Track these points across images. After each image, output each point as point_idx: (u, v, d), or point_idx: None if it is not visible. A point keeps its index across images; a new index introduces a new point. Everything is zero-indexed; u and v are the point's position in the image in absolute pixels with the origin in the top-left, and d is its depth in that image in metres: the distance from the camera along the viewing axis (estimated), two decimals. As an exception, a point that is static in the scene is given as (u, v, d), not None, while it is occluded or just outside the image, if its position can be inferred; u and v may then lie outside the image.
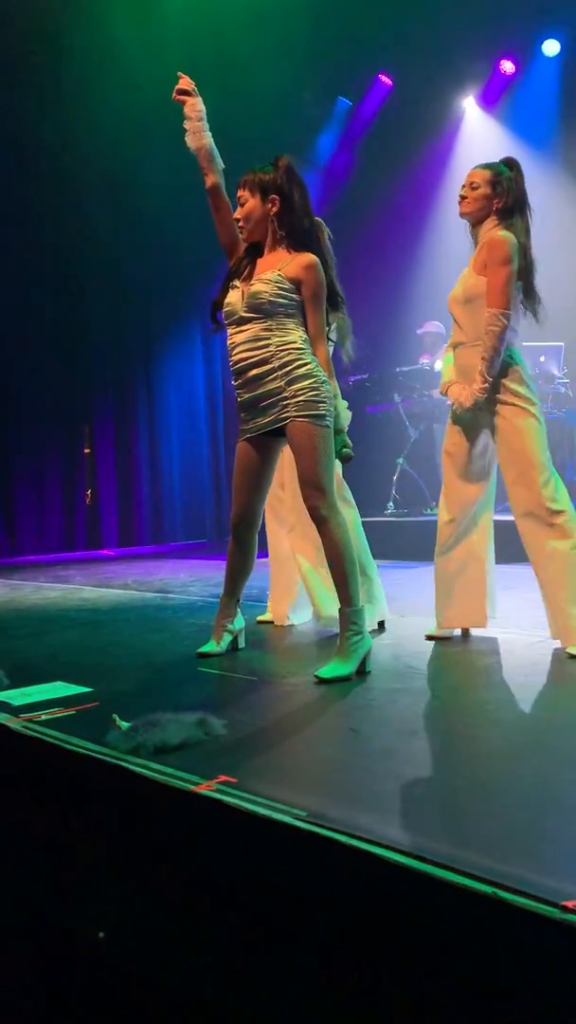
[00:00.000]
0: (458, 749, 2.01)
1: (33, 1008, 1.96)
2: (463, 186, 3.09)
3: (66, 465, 8.76)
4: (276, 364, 2.79)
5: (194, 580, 5.72)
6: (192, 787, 1.71)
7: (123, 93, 7.44)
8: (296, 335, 2.81)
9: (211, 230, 3.03)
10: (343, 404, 3.30)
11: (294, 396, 2.77)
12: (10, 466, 8.30)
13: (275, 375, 2.79)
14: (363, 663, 2.73)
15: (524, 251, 2.99)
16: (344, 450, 2.89)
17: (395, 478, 7.34)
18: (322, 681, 2.61)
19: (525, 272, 3.00)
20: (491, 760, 1.92)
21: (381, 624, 3.53)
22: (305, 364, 2.78)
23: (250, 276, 2.86)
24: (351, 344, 3.52)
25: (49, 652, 3.30)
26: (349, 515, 3.41)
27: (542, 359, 6.82)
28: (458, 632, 3.32)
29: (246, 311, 2.82)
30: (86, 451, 9.05)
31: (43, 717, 2.29)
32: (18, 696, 2.53)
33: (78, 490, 8.90)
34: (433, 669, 2.89)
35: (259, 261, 2.88)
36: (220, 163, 2.97)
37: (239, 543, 3.05)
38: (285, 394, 2.79)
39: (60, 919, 1.98)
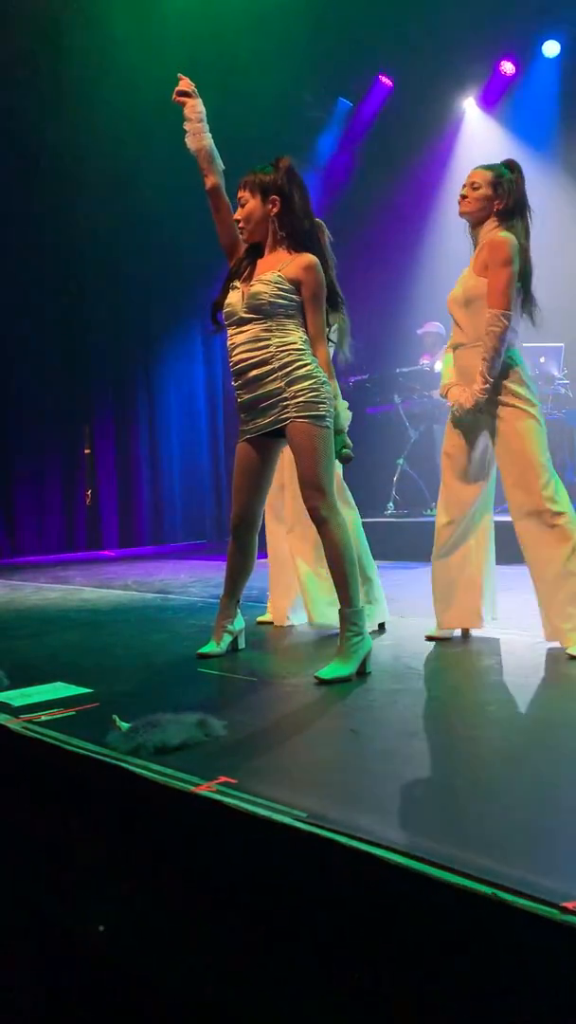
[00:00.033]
0: (458, 750, 2.01)
1: (33, 1008, 1.96)
2: (464, 186, 3.09)
3: (66, 465, 8.76)
4: (276, 365, 2.79)
5: (194, 581, 5.72)
6: (192, 788, 1.71)
7: (123, 93, 7.44)
8: (296, 336, 2.81)
9: (211, 231, 3.03)
10: (343, 404, 3.30)
11: (294, 397, 2.77)
12: (10, 466, 8.30)
13: (275, 376, 2.79)
14: (363, 664, 2.73)
15: (524, 253, 3.00)
16: (344, 451, 2.89)
17: (395, 479, 7.34)
18: (322, 682, 2.61)
19: (524, 276, 3.01)
20: (491, 761, 1.92)
21: (381, 626, 3.54)
22: (305, 365, 2.78)
23: (250, 277, 2.86)
24: (349, 346, 3.53)
25: (49, 653, 3.30)
26: (350, 516, 3.42)
27: (542, 360, 6.82)
28: (458, 633, 3.32)
29: (246, 312, 2.82)
30: (86, 451, 9.05)
31: (43, 718, 2.29)
32: (18, 697, 2.53)
33: (78, 490, 8.91)
34: (433, 670, 2.89)
35: (259, 262, 2.88)
36: (220, 164, 2.97)
37: (239, 544, 3.05)
38: (285, 395, 2.79)
39: (60, 919, 1.98)
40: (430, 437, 7.44)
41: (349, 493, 3.50)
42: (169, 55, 6.99)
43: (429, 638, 3.27)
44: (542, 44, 7.92)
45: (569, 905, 1.19)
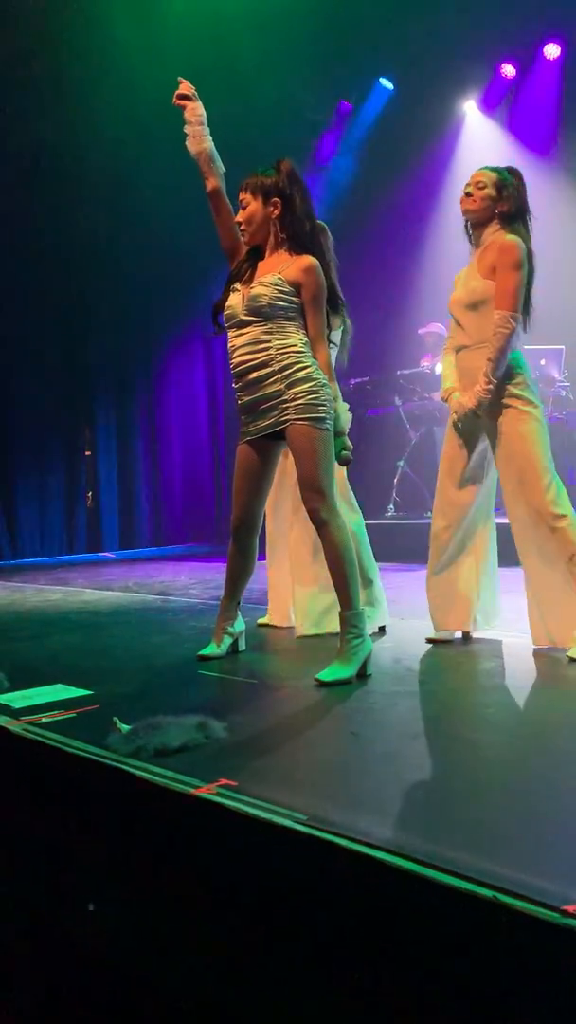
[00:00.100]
0: (458, 752, 2.01)
1: (33, 1008, 1.96)
2: (468, 184, 3.09)
3: (67, 467, 8.77)
4: (276, 367, 2.79)
5: (194, 582, 5.72)
6: (192, 790, 1.71)
7: (124, 94, 7.45)
8: (296, 338, 2.81)
9: (212, 233, 3.04)
10: (343, 407, 3.30)
11: (294, 399, 2.78)
12: (11, 469, 8.31)
13: (275, 378, 2.80)
14: (364, 666, 2.73)
15: (531, 257, 3.00)
16: (343, 453, 2.89)
17: (396, 481, 7.35)
18: (322, 684, 2.61)
19: (527, 280, 3.01)
20: (492, 763, 1.92)
21: (382, 628, 3.54)
22: (305, 367, 2.79)
23: (251, 279, 2.86)
24: (347, 350, 3.54)
25: (50, 654, 3.31)
26: (354, 519, 3.43)
27: (543, 362, 6.83)
28: (458, 635, 3.32)
29: (246, 314, 2.83)
30: (87, 453, 9.06)
31: (44, 720, 2.29)
32: (19, 699, 2.53)
33: (79, 492, 8.91)
34: (433, 672, 2.89)
35: (260, 264, 2.89)
36: (221, 167, 2.98)
37: (239, 546, 3.05)
38: (285, 397, 2.79)
39: (60, 920, 1.98)
40: (430, 439, 7.44)
41: (353, 495, 3.50)
42: (169, 57, 6.99)
43: (429, 640, 3.27)
44: (543, 47, 7.92)
45: (569, 908, 1.19)
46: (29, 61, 7.47)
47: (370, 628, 3.17)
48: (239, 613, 3.16)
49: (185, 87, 2.97)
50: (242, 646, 3.20)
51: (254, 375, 2.83)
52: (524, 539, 3.00)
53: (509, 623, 3.34)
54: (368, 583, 3.47)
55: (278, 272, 2.81)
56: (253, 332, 2.82)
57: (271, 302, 2.78)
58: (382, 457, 7.48)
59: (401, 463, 7.35)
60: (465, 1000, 1.25)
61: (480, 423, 3.10)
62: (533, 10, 7.34)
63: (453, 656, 3.08)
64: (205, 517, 9.81)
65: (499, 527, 3.29)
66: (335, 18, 7.46)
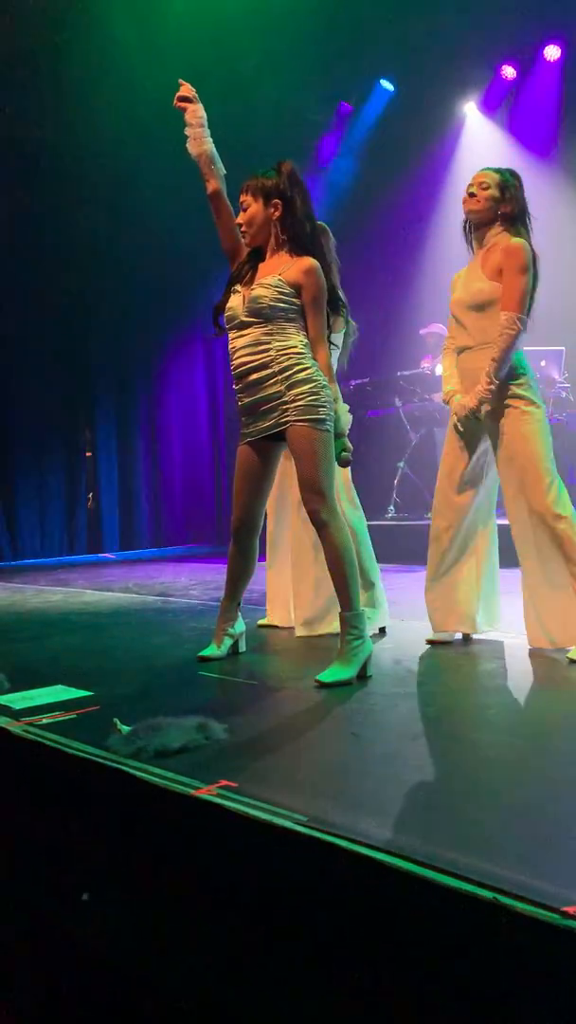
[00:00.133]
0: (459, 753, 2.01)
1: (33, 1008, 1.96)
2: (471, 184, 3.08)
3: (68, 468, 8.76)
4: (276, 368, 2.79)
5: (195, 583, 5.72)
6: (192, 791, 1.72)
7: (124, 95, 7.45)
8: (296, 339, 2.81)
9: (213, 234, 3.04)
10: (344, 408, 3.31)
11: (294, 400, 2.78)
12: (12, 469, 8.30)
13: (275, 379, 2.80)
14: (364, 667, 2.73)
15: (535, 260, 3.01)
16: (343, 454, 2.89)
17: (396, 482, 7.35)
18: (323, 685, 2.61)
19: (532, 284, 3.02)
20: (492, 765, 1.92)
21: (382, 630, 3.54)
22: (305, 369, 2.79)
23: (252, 280, 2.86)
24: (348, 352, 3.55)
25: (50, 656, 3.31)
26: (355, 516, 3.44)
27: (543, 364, 6.83)
28: (459, 636, 3.32)
29: (247, 315, 2.83)
30: (88, 454, 9.06)
31: (44, 721, 2.29)
32: (19, 700, 2.53)
33: (80, 493, 8.91)
34: (434, 673, 2.89)
35: (261, 266, 2.89)
36: (221, 169, 2.98)
37: (240, 547, 3.05)
38: (285, 398, 2.79)
39: (60, 920, 1.98)
40: (431, 440, 7.44)
41: (356, 494, 3.51)
42: (170, 58, 6.99)
43: (430, 642, 3.27)
44: (543, 48, 7.92)
45: (570, 910, 1.19)
46: (29, 61, 7.47)
47: (370, 629, 3.17)
48: (239, 614, 3.16)
49: (186, 89, 2.97)
50: (242, 647, 3.20)
51: (254, 376, 2.83)
52: (524, 539, 3.00)
53: (509, 624, 3.33)
54: (369, 585, 3.47)
55: (279, 274, 2.81)
56: (253, 333, 2.82)
57: (271, 304, 2.78)
58: (382, 458, 7.48)
59: (401, 464, 7.35)
60: (465, 1001, 1.25)
61: (481, 424, 3.10)
62: (533, 12, 7.34)
63: (453, 657, 3.08)
64: (205, 518, 9.81)
65: (500, 528, 3.29)
66: (336, 19, 7.46)
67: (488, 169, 3.11)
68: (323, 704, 2.46)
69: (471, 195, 3.07)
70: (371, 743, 2.10)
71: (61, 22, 7.18)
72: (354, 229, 7.70)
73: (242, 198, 2.87)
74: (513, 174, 3.10)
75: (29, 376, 8.30)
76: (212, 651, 3.08)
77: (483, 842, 1.47)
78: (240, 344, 2.86)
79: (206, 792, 1.70)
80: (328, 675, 2.65)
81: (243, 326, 2.85)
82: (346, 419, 3.38)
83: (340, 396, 3.11)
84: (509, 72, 8.22)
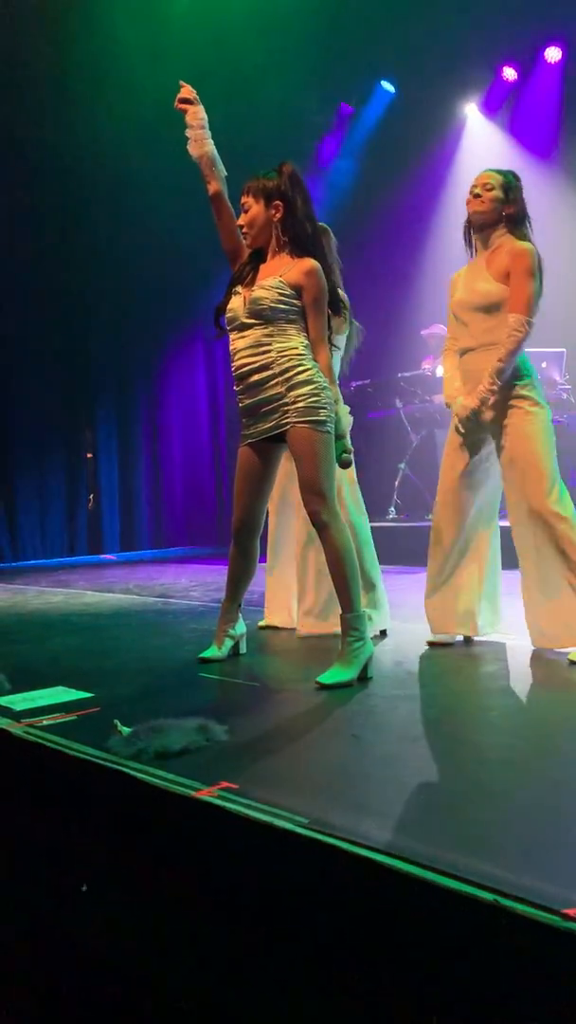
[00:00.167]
0: (460, 755, 2.01)
1: (33, 1008, 1.96)
2: (475, 186, 3.08)
3: (68, 469, 8.76)
4: (277, 370, 2.80)
5: (195, 585, 5.72)
6: (193, 793, 1.72)
7: (125, 96, 7.46)
8: (297, 341, 2.81)
9: (213, 235, 3.04)
10: (344, 409, 3.31)
11: (294, 402, 2.78)
12: (12, 470, 8.30)
13: (276, 381, 2.80)
14: (365, 669, 2.73)
15: (540, 264, 3.02)
16: (344, 455, 2.89)
17: (397, 483, 7.35)
18: (323, 687, 2.61)
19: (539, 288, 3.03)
20: (493, 766, 1.92)
21: (383, 632, 3.53)
22: (306, 370, 2.79)
23: (253, 282, 2.86)
24: (350, 355, 3.56)
25: (51, 657, 3.31)
26: (359, 520, 3.44)
27: (544, 365, 6.83)
28: (460, 638, 3.32)
29: (248, 317, 2.83)
30: (88, 456, 9.06)
31: (45, 722, 2.29)
32: (20, 701, 2.53)
33: (80, 495, 8.91)
34: (435, 675, 2.89)
35: (262, 267, 2.89)
36: (222, 170, 2.98)
37: (240, 548, 3.05)
38: (285, 400, 2.79)
39: (60, 921, 1.97)
40: (431, 441, 7.44)
41: (360, 496, 3.51)
42: (171, 59, 7.01)
43: (431, 643, 3.27)
44: (544, 50, 7.93)
45: (570, 912, 1.19)
46: (30, 61, 7.48)
47: (371, 631, 3.17)
48: (240, 615, 3.16)
49: (186, 91, 2.97)
50: (243, 649, 3.19)
51: (255, 378, 2.83)
52: (524, 540, 3.00)
53: (510, 626, 3.33)
54: (371, 587, 3.47)
55: (279, 275, 2.81)
56: (254, 335, 2.82)
57: (272, 305, 2.79)
58: (383, 460, 7.48)
59: (402, 466, 7.35)
60: (466, 1003, 1.25)
61: (483, 425, 3.10)
62: (534, 13, 7.34)
63: (454, 659, 3.08)
64: (206, 519, 9.81)
65: (503, 530, 3.29)
66: (336, 21, 7.47)
67: (491, 170, 3.11)
68: (324, 706, 2.46)
69: (475, 196, 3.07)
70: (372, 745, 2.10)
71: (61, 22, 7.18)
72: (354, 230, 7.70)
73: (243, 199, 2.87)
74: (515, 175, 3.10)
75: (29, 376, 8.30)
76: (213, 652, 3.08)
77: (484, 844, 1.47)
78: (241, 345, 2.86)
79: (207, 794, 1.70)
80: (329, 676, 2.65)
81: (244, 327, 2.85)
82: (347, 420, 3.38)
83: (341, 397, 3.11)
84: (510, 74, 8.23)
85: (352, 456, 2.98)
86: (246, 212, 2.86)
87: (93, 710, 2.41)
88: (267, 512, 3.22)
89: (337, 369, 3.51)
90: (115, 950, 1.82)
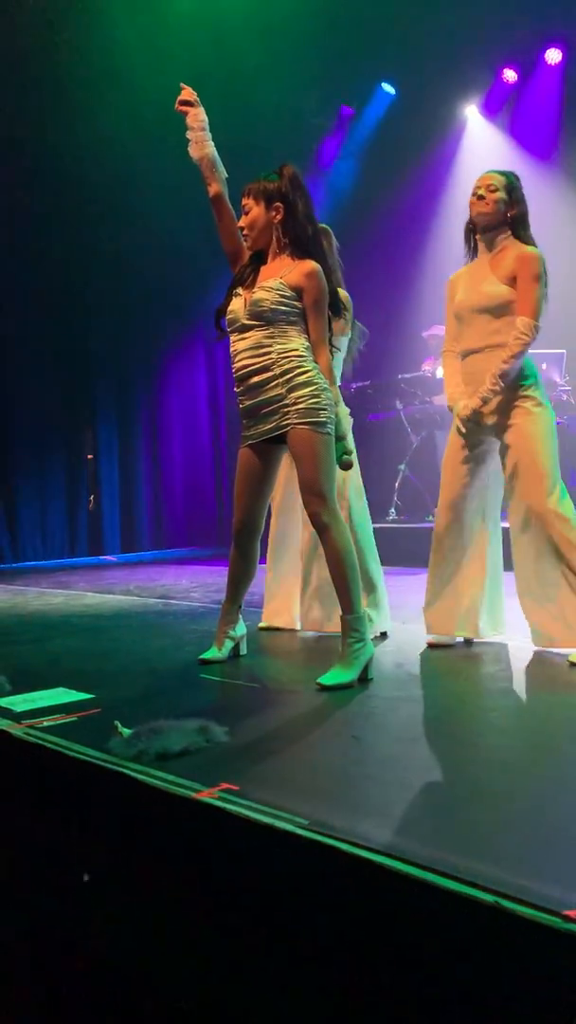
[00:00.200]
0: (460, 757, 2.01)
1: (33, 1008, 1.96)
2: (478, 187, 3.08)
3: (69, 471, 8.77)
4: (277, 371, 2.80)
5: (196, 586, 5.72)
6: (194, 794, 1.72)
7: (126, 97, 7.46)
8: (298, 342, 2.82)
9: (214, 236, 3.04)
10: (344, 411, 3.31)
11: (295, 403, 2.78)
12: (13, 472, 8.31)
13: (276, 382, 2.80)
14: (365, 670, 2.73)
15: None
16: (345, 457, 2.89)
17: (397, 485, 7.35)
18: (324, 688, 2.61)
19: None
20: (494, 768, 1.92)
21: (383, 634, 3.53)
22: (306, 372, 2.79)
23: (253, 283, 2.87)
24: (352, 358, 3.57)
25: (51, 658, 3.31)
26: (359, 506, 3.45)
27: (544, 367, 6.83)
28: (460, 639, 3.32)
29: (248, 318, 2.83)
30: (89, 457, 9.06)
31: (45, 723, 2.29)
32: (20, 702, 2.53)
33: (81, 496, 8.91)
34: (435, 676, 2.89)
35: (262, 269, 2.89)
36: (223, 172, 2.98)
37: (241, 550, 3.05)
38: (286, 401, 2.80)
39: (61, 922, 1.97)
40: (431, 443, 7.44)
41: (361, 481, 3.52)
42: (171, 59, 7.01)
43: (431, 644, 3.27)
44: (544, 52, 7.94)
45: (571, 913, 1.19)
46: (30, 61, 7.48)
47: (372, 633, 3.17)
48: (240, 617, 3.16)
49: (187, 93, 2.97)
50: (243, 650, 3.19)
51: (255, 379, 2.83)
52: (524, 539, 3.00)
53: (510, 627, 3.33)
54: (372, 588, 3.47)
55: (280, 277, 2.81)
56: (255, 336, 2.83)
57: (273, 307, 2.79)
58: (383, 461, 7.48)
59: (402, 467, 7.35)
60: (466, 1005, 1.25)
61: (484, 427, 3.10)
62: (535, 15, 7.35)
63: (455, 660, 3.08)
64: (206, 520, 9.81)
65: (505, 532, 3.29)
66: (337, 23, 7.47)
67: (493, 171, 3.11)
68: (324, 707, 2.46)
69: (479, 198, 3.06)
70: (372, 746, 2.10)
71: (62, 22, 7.18)
72: (355, 232, 7.70)
73: (244, 201, 2.87)
74: (517, 177, 3.11)
75: (30, 377, 8.31)
76: (213, 654, 3.08)
77: (484, 845, 1.47)
78: (241, 347, 2.86)
79: (207, 795, 1.70)
80: (329, 678, 2.65)
81: (244, 329, 2.85)
82: (347, 422, 3.38)
83: (341, 399, 3.11)
84: (510, 75, 8.23)
85: (353, 458, 2.98)
86: (247, 214, 2.87)
87: (94, 711, 2.41)
88: (268, 513, 3.22)
89: (339, 370, 3.51)
90: (115, 950, 1.82)
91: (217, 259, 3.27)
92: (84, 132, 7.81)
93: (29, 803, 2.17)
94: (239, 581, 3.11)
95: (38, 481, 8.47)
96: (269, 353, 2.81)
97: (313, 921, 1.46)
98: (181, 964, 1.67)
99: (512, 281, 3.01)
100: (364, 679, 2.72)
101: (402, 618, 3.76)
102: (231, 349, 2.91)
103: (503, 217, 3.06)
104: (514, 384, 3.03)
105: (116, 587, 5.82)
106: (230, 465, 9.03)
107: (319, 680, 2.64)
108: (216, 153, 2.96)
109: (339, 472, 2.95)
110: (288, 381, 2.79)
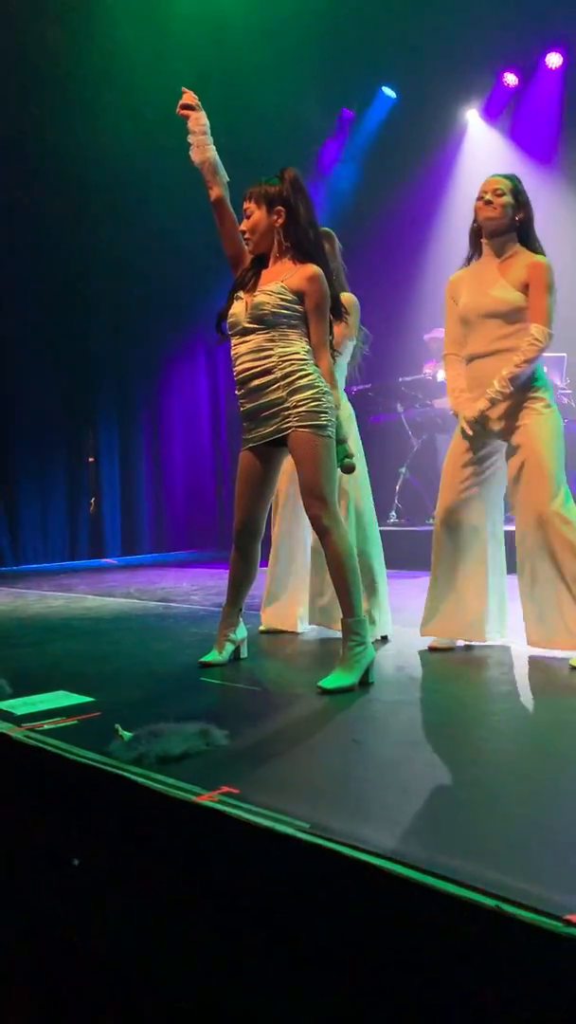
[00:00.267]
0: (461, 760, 2.01)
1: (33, 1008, 1.96)
2: (485, 192, 3.08)
3: (70, 474, 8.78)
4: (278, 375, 2.80)
5: (196, 589, 5.72)
6: (194, 798, 1.71)
7: (127, 99, 7.47)
8: (299, 346, 2.82)
9: (215, 238, 3.05)
10: (347, 413, 3.31)
11: (296, 406, 2.79)
12: (14, 474, 8.32)
13: (277, 385, 2.81)
14: (366, 673, 2.73)
15: None
16: (346, 460, 2.89)
17: (397, 488, 7.35)
18: (325, 691, 2.61)
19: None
20: (495, 772, 1.92)
21: (384, 638, 3.53)
22: (307, 375, 2.80)
23: (255, 287, 2.87)
24: (356, 361, 3.57)
25: (52, 661, 3.31)
26: (368, 517, 3.46)
27: (544, 370, 6.84)
28: (461, 643, 3.32)
29: (249, 322, 2.84)
30: (90, 460, 9.07)
31: (45, 726, 2.29)
32: (21, 705, 2.53)
33: (82, 499, 8.92)
34: (436, 680, 2.89)
35: (264, 272, 2.90)
36: (224, 176, 2.99)
37: (241, 552, 3.05)
38: (287, 404, 2.80)
39: (61, 926, 1.97)
40: (432, 446, 7.45)
41: (371, 499, 3.53)
42: (172, 62, 7.02)
43: (432, 648, 3.26)
44: (545, 56, 7.95)
45: (572, 918, 1.19)
46: (31, 62, 7.49)
47: (373, 636, 3.17)
48: (241, 620, 3.16)
49: (188, 97, 2.98)
50: (244, 653, 3.19)
51: (256, 382, 2.84)
52: (527, 540, 3.00)
53: (511, 630, 3.33)
54: (374, 591, 3.46)
55: (281, 280, 2.82)
56: (256, 340, 2.83)
57: (274, 310, 2.79)
58: (384, 464, 7.48)
59: (403, 470, 7.35)
60: (467, 1009, 1.24)
61: (491, 431, 3.10)
62: (535, 19, 7.36)
63: (455, 664, 3.07)
64: (207, 523, 9.82)
65: (508, 535, 3.29)
66: (338, 26, 7.49)
67: (498, 175, 3.11)
68: (325, 710, 2.46)
69: (487, 203, 3.06)
70: (373, 750, 2.10)
71: (62, 23, 7.20)
72: (356, 235, 7.70)
73: (245, 205, 2.88)
74: (520, 180, 3.11)
75: (30, 378, 8.32)
76: (214, 657, 3.08)
77: (485, 849, 1.46)
78: (242, 350, 2.87)
79: (207, 798, 1.70)
80: (330, 681, 2.65)
81: (246, 332, 2.86)
82: (351, 425, 3.39)
83: (342, 402, 3.12)
84: (511, 79, 8.25)
85: (355, 461, 2.98)
86: (248, 218, 2.87)
87: (94, 714, 2.41)
88: (269, 516, 3.22)
89: (342, 374, 3.52)
90: (115, 952, 1.82)
91: (218, 260, 3.27)
92: (84, 132, 7.82)
93: (29, 806, 2.17)
94: (240, 584, 3.11)
95: (39, 483, 8.48)
96: (270, 356, 2.81)
97: (313, 924, 1.45)
98: (181, 966, 1.67)
99: (524, 288, 3.02)
100: (365, 683, 2.72)
101: (403, 621, 3.76)
102: (232, 352, 2.91)
103: (511, 221, 3.07)
104: (523, 387, 3.04)
105: (116, 590, 5.82)
106: (231, 468, 9.04)
107: (320, 683, 2.64)
108: (217, 157, 2.97)
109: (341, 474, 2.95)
110: (289, 384, 2.79)
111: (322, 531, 2.78)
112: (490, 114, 8.50)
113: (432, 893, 1.30)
